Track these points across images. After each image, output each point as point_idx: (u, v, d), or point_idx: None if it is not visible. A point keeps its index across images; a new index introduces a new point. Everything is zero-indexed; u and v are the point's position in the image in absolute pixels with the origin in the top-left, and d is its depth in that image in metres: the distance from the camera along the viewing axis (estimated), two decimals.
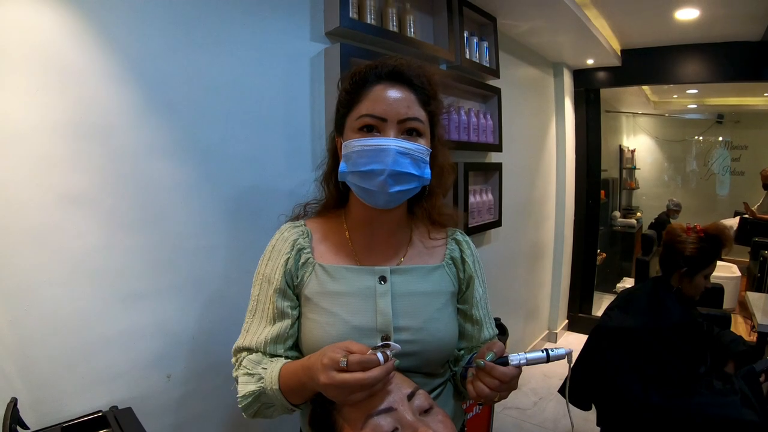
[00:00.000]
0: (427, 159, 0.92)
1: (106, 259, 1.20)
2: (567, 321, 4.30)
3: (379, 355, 0.70)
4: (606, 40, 3.34)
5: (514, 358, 0.79)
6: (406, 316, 0.92)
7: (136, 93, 1.22)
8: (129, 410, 1.25)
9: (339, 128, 0.95)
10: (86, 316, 1.18)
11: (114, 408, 1.23)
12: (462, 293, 1.03)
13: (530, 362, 0.80)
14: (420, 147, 0.89)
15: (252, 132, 1.48)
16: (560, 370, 3.29)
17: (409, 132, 0.89)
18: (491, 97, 2.60)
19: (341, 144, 0.93)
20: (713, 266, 1.85)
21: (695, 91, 5.59)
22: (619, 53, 3.71)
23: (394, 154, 0.85)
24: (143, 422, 1.18)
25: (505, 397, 0.85)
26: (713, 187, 6.93)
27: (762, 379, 1.76)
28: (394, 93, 0.88)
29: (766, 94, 3.23)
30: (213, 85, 1.38)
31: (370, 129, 0.88)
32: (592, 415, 1.98)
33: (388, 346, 0.73)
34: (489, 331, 1.05)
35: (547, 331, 4.16)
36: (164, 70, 1.27)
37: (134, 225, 1.25)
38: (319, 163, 1.06)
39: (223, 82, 1.40)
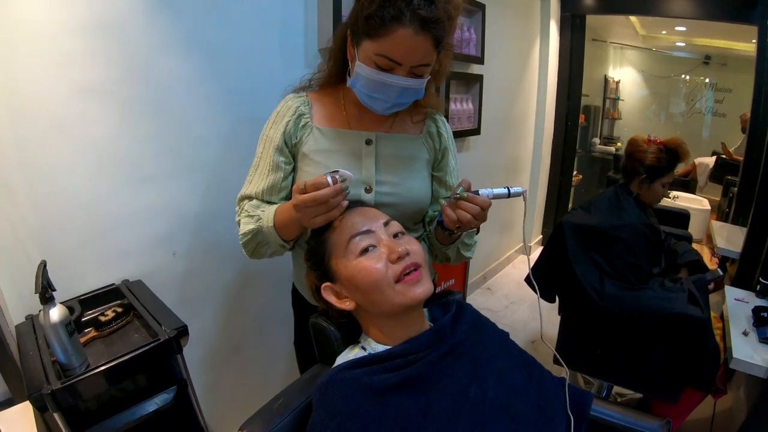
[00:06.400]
0: (425, 84, 1.02)
1: (119, 146, 1.31)
2: (541, 236, 4.48)
3: (329, 179, 0.86)
4: None
5: (483, 191, 0.96)
6: (387, 173, 1.09)
7: None
8: (140, 282, 1.38)
9: (355, 34, 0.98)
10: (100, 198, 1.30)
11: (126, 281, 1.37)
12: (437, 162, 1.19)
13: (496, 196, 0.98)
14: (423, 81, 1.00)
15: (251, 32, 1.57)
16: None
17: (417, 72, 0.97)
18: (476, 12, 2.64)
19: (353, 51, 0.99)
20: (671, 176, 1.99)
21: (684, 28, 5.54)
22: None
23: (400, 89, 0.98)
24: None
25: (477, 225, 1.01)
26: (695, 126, 6.97)
27: (711, 287, 1.93)
28: (416, 42, 0.91)
29: (754, 41, 3.24)
30: None
31: (384, 65, 0.95)
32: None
33: (337, 172, 0.88)
34: None
35: (521, 244, 4.34)
36: None
37: (144, 114, 1.35)
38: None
39: None
